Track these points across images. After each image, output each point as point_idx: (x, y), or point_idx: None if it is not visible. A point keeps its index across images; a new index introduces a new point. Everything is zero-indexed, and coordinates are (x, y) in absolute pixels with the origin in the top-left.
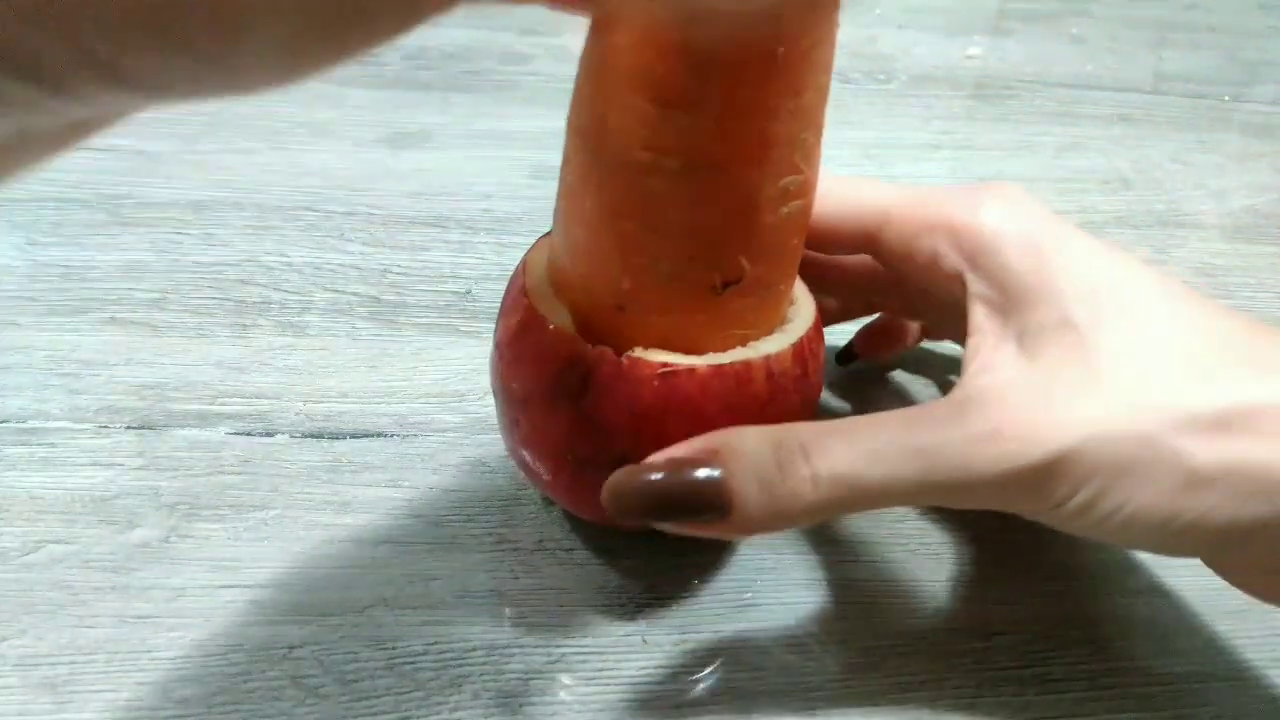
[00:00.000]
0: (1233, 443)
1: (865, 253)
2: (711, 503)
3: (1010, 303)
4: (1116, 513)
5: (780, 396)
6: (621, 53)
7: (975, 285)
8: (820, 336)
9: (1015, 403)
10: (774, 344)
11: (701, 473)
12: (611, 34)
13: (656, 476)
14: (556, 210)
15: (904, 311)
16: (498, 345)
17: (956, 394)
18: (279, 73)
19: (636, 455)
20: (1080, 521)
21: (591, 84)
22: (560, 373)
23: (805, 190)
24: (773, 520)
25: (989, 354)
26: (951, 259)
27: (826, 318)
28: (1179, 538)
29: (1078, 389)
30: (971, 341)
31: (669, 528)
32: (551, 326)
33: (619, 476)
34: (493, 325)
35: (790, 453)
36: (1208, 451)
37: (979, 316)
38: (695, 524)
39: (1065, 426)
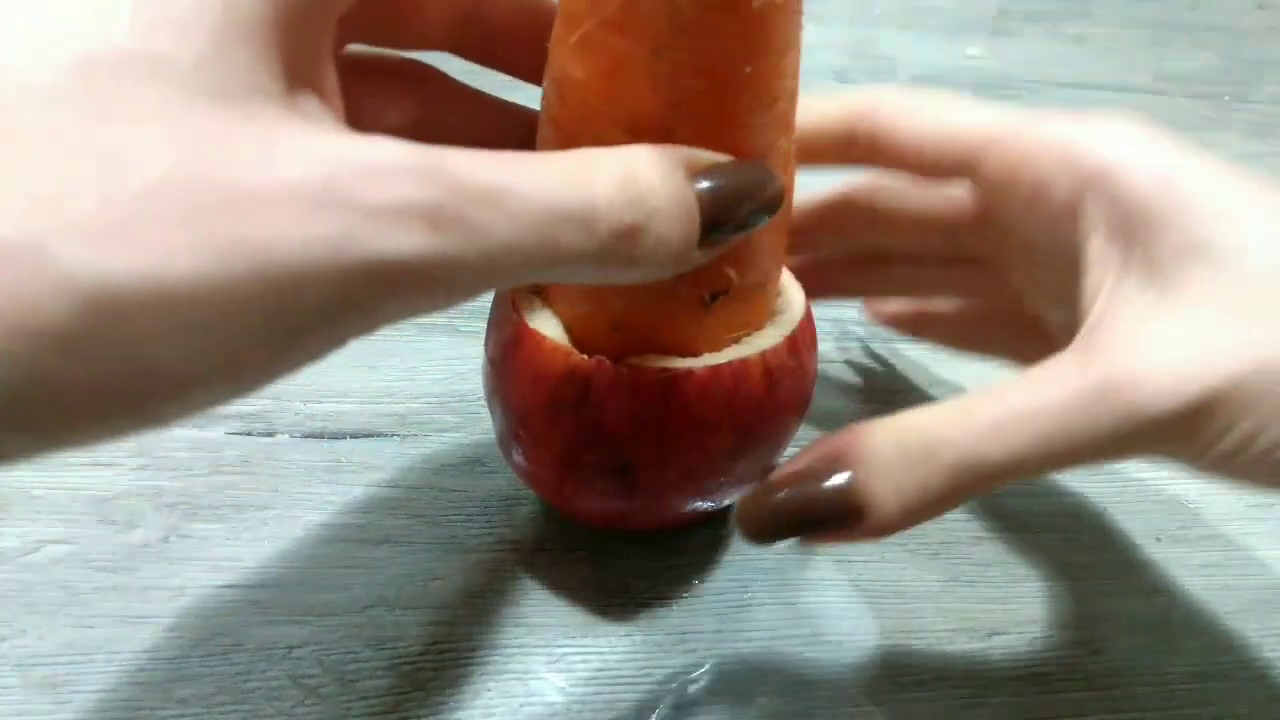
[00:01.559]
0: None
1: (963, 177)
2: (845, 511)
3: (1135, 228)
4: (1276, 450)
5: (778, 389)
6: (587, 87)
7: (1093, 212)
8: (812, 324)
9: (1151, 340)
10: (768, 338)
11: (831, 482)
12: (575, 69)
13: (786, 494)
14: None
15: (986, 267)
16: (490, 361)
17: (1080, 342)
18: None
19: (641, 461)
20: (1232, 463)
21: (560, 116)
22: (558, 386)
23: (785, 192)
24: (907, 518)
25: (1112, 289)
26: (1063, 185)
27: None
28: None
29: (1225, 317)
30: (1089, 280)
31: (807, 540)
32: (545, 340)
33: (748, 502)
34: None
35: (913, 446)
36: None
37: (1096, 248)
38: (832, 534)
39: (1216, 360)
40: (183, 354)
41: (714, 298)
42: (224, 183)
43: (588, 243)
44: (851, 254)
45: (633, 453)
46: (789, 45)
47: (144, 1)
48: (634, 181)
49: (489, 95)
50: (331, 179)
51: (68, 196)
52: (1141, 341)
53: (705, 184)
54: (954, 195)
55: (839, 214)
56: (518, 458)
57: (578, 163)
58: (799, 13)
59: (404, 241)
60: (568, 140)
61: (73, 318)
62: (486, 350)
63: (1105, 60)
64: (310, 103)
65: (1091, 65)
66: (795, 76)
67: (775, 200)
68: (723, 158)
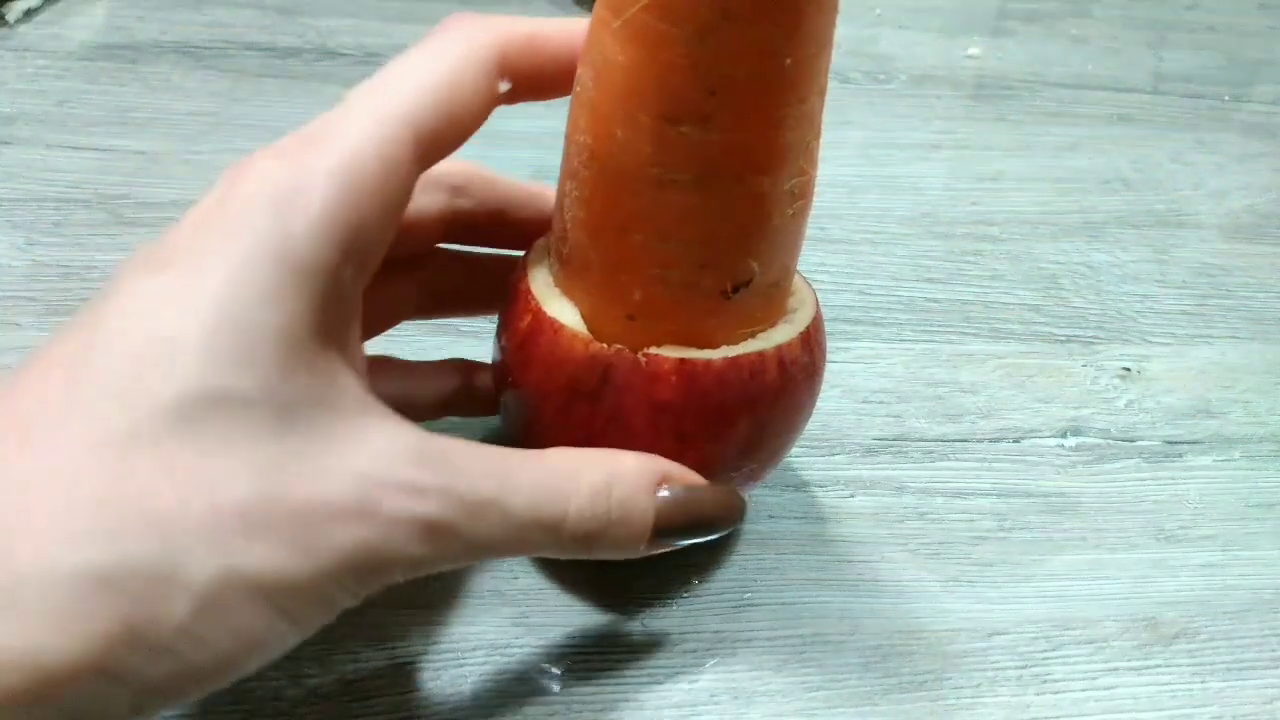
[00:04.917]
0: None
1: None
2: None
3: None
4: None
5: (792, 385)
6: (627, 71)
7: None
8: (822, 323)
9: None
10: (783, 334)
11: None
12: (616, 53)
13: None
14: (558, 219)
15: None
16: (503, 349)
17: None
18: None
19: (657, 452)
20: None
21: (595, 100)
22: (576, 374)
23: (808, 189)
24: None
25: None
26: None
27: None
28: None
29: None
30: None
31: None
32: (563, 328)
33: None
34: (493, 325)
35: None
36: None
37: None
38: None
39: None
40: (272, 628)
41: (736, 290)
42: (297, 501)
43: (552, 544)
44: None
45: (649, 441)
46: (826, 42)
47: (210, 343)
48: (606, 497)
49: (483, 255)
50: (366, 495)
51: (183, 516)
52: None
53: (668, 502)
54: None
55: None
56: (529, 449)
57: (565, 472)
58: (836, 11)
59: (411, 547)
60: (602, 125)
61: (194, 613)
62: (499, 340)
63: (1105, 60)
64: (347, 380)
65: (1091, 65)
66: (826, 75)
67: (730, 524)
68: (698, 480)
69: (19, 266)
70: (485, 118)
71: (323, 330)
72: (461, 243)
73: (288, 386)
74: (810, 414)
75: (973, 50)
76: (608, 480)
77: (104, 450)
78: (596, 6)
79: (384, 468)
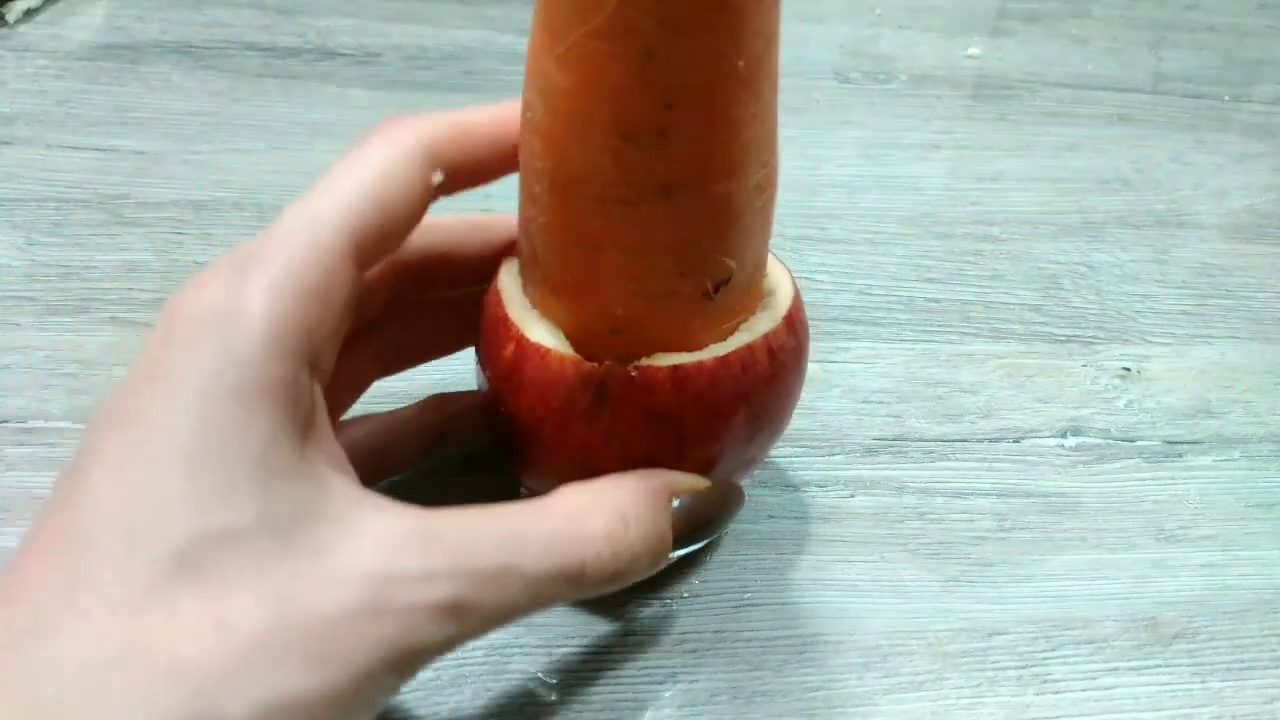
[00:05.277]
0: None
1: None
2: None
3: None
4: None
5: (782, 370)
6: (577, 95)
7: None
8: (801, 301)
9: None
10: (767, 321)
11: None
12: (562, 78)
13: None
14: (525, 242)
15: None
16: (491, 380)
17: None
18: None
19: (660, 459)
20: None
21: (547, 126)
22: (570, 395)
23: (772, 178)
24: None
25: None
26: None
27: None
28: None
29: None
30: None
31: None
32: (550, 352)
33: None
34: None
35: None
36: None
37: None
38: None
39: None
40: None
41: (717, 289)
42: (311, 616)
43: (576, 592)
44: None
45: (650, 451)
46: (773, 35)
47: (190, 490)
48: (624, 535)
49: (435, 298)
50: (377, 593)
51: (206, 664)
52: None
53: (678, 515)
54: None
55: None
56: (529, 473)
57: (575, 518)
58: (778, 2)
59: (435, 633)
60: (558, 150)
61: None
62: (483, 370)
63: (1105, 60)
64: (332, 480)
65: (1091, 65)
66: (777, 64)
67: (733, 516)
68: (699, 484)
69: (19, 266)
70: (423, 214)
71: (294, 440)
72: (413, 294)
73: (275, 507)
74: (801, 392)
75: (973, 50)
76: (622, 519)
77: (118, 618)
78: (533, 32)
79: (388, 561)
